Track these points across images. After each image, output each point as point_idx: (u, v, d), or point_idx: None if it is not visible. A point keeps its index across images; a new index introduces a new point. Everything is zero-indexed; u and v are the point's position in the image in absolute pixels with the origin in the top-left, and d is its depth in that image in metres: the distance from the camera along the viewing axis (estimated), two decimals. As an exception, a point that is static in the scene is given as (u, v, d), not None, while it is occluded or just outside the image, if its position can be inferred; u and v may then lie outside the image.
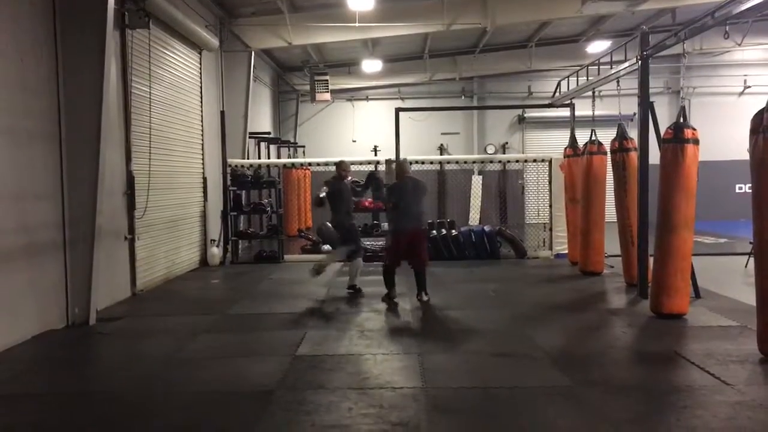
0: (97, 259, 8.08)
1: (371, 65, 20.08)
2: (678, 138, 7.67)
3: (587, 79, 11.86)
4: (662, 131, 8.18)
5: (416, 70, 21.42)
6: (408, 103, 21.99)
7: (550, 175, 13.88)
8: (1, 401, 5.43)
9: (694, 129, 7.75)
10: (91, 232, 8.01)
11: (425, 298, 8.97)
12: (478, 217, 19.46)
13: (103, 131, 8.03)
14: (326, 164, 14.87)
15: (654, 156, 8.41)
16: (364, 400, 5.18)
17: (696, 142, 7.71)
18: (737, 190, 21.97)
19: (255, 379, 5.81)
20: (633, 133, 9.50)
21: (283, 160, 18.67)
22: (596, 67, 11.68)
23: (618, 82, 10.20)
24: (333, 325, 7.80)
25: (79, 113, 7.94)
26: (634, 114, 9.46)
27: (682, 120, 7.76)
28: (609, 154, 10.15)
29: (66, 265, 7.97)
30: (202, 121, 13.26)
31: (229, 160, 13.98)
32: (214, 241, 13.36)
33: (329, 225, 13.68)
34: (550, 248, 13.77)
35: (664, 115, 15.19)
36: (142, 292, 10.07)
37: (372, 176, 10.12)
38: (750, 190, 6.21)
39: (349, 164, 10.26)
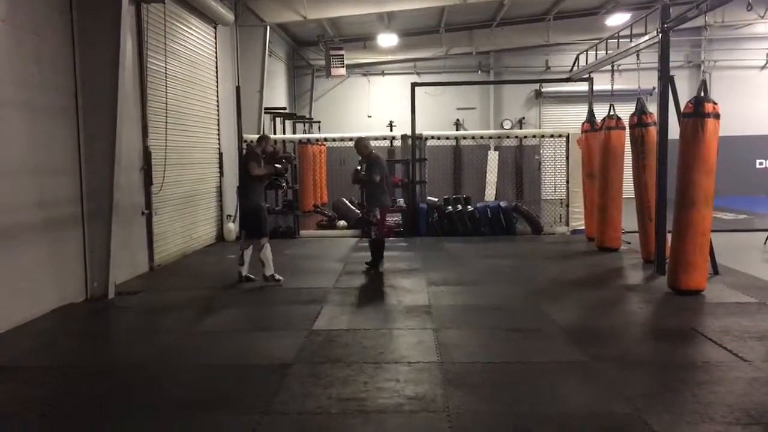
0: (115, 234, 8.15)
1: (387, 40, 19.91)
2: (698, 112, 7.56)
3: (606, 53, 11.70)
4: (682, 106, 8.07)
5: (432, 45, 21.21)
6: (424, 78, 21.80)
7: (567, 151, 13.79)
8: (21, 373, 5.53)
9: (715, 103, 7.64)
10: (109, 207, 8.08)
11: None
12: (494, 192, 19.36)
13: (120, 106, 8.07)
14: (342, 140, 14.88)
15: (673, 131, 8.30)
16: (379, 374, 5.21)
17: (716, 116, 7.60)
18: (758, 166, 21.70)
19: (272, 353, 5.86)
20: (652, 108, 9.38)
21: (299, 136, 18.66)
22: (615, 40, 11.50)
23: (637, 55, 10.04)
24: (348, 300, 7.84)
25: (96, 88, 7.98)
26: (654, 88, 9.34)
27: (702, 94, 7.65)
28: (628, 129, 10.04)
29: (84, 240, 8.06)
30: (217, 97, 13.24)
31: (245, 136, 13.99)
32: (230, 216, 13.41)
33: (345, 201, 13.68)
34: (567, 224, 13.73)
35: (684, 89, 15.02)
36: (160, 266, 10.16)
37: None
38: (771, 166, 6.13)
39: (272, 140, 9.70)
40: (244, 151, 9.12)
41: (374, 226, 9.43)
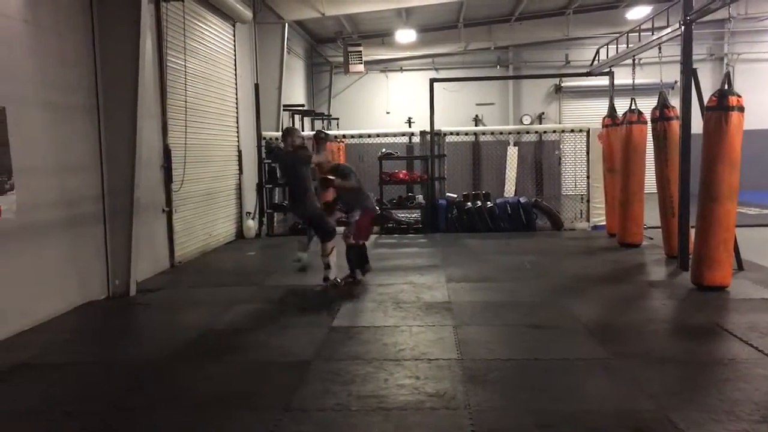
0: (136, 232, 8.21)
1: (405, 35, 19.85)
2: (722, 105, 7.45)
3: (627, 47, 11.56)
4: (705, 99, 7.95)
5: (451, 40, 21.12)
6: (442, 74, 21.75)
7: (587, 146, 13.68)
8: (44, 370, 5.58)
9: (739, 96, 7.51)
10: (130, 205, 8.14)
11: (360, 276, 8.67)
12: (514, 188, 19.24)
13: (140, 104, 8.12)
14: (360, 136, 14.88)
15: (696, 125, 8.18)
16: (400, 371, 5.19)
17: (741, 109, 7.49)
18: (783, 160, 21.28)
19: (292, 350, 5.86)
20: (674, 102, 9.26)
21: (318, 133, 18.64)
22: (637, 33, 11.37)
23: (659, 48, 9.92)
24: (368, 297, 7.82)
25: (116, 86, 8.03)
26: (676, 82, 9.22)
27: (726, 87, 7.54)
28: (649, 123, 9.93)
29: (106, 238, 8.12)
30: (236, 94, 13.28)
31: (264, 133, 14.02)
32: (250, 213, 13.47)
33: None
34: (588, 220, 13.61)
35: (707, 82, 14.78)
36: (181, 263, 10.22)
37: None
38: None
39: (299, 132, 8.78)
40: (291, 154, 8.31)
41: (351, 226, 8.66)
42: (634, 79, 10.94)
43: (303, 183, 8.38)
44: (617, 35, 12.60)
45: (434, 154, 13.87)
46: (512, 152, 20.47)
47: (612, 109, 12.18)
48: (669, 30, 9.39)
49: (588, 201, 13.68)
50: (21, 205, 6.52)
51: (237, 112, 13.33)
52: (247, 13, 13.22)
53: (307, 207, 8.42)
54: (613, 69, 13.11)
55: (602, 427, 4.17)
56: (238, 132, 13.33)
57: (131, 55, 8.03)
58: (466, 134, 15.53)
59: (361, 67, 19.00)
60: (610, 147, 11.91)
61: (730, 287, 7.64)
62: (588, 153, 13.66)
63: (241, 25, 13.42)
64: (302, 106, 19.30)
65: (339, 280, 8.36)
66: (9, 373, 5.46)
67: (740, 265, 8.61)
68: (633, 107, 10.66)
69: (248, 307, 7.59)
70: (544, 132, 17.19)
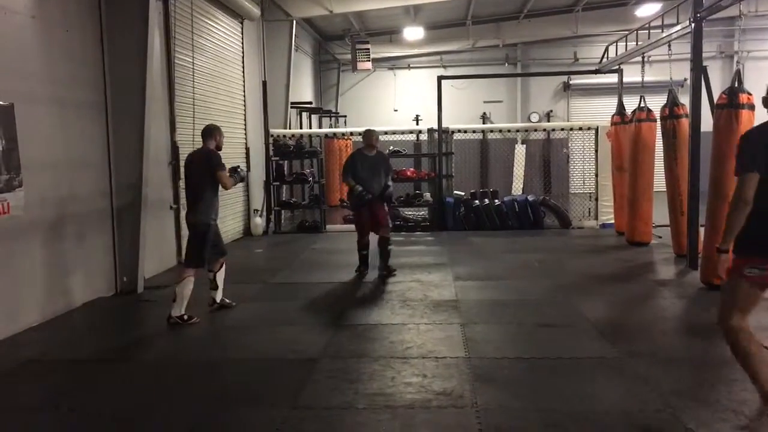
0: (143, 228, 8.23)
1: (413, 33, 19.81)
2: (732, 103, 7.40)
3: (636, 44, 11.51)
4: (715, 96, 7.90)
5: (459, 37, 21.05)
6: (450, 71, 21.67)
7: (596, 144, 13.62)
8: (51, 366, 5.60)
9: (750, 94, 7.46)
10: (138, 202, 8.16)
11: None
12: (522, 186, 19.20)
13: (148, 101, 8.13)
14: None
15: (706, 123, 8.13)
16: (407, 369, 5.17)
17: (751, 107, 7.43)
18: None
19: (298, 347, 5.85)
20: (684, 100, 9.20)
21: (325, 130, 18.67)
22: (646, 31, 11.30)
23: (669, 46, 9.85)
24: (375, 295, 7.82)
25: (124, 83, 8.04)
26: (685, 79, 9.15)
27: (736, 84, 7.48)
28: (659, 121, 9.88)
29: (114, 234, 8.14)
30: (244, 92, 13.29)
31: (271, 131, 14.03)
32: (257, 211, 13.47)
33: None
34: (596, 218, 13.56)
35: (716, 80, 14.70)
36: (188, 260, 10.21)
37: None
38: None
39: (221, 131, 7.25)
40: (199, 151, 7.05)
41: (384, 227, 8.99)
42: (643, 76, 10.87)
43: (203, 188, 6.81)
44: (626, 32, 12.54)
45: (442, 152, 13.84)
46: (520, 150, 20.42)
47: (621, 106, 12.14)
48: (679, 27, 9.33)
49: (596, 199, 13.63)
50: (29, 201, 6.53)
51: (245, 110, 13.33)
52: (255, 11, 13.22)
53: (196, 216, 6.82)
54: (622, 66, 13.04)
55: (610, 426, 4.15)
56: (245, 129, 13.34)
57: (139, 52, 8.04)
58: (474, 132, 15.49)
59: (368, 65, 18.96)
60: (618, 145, 11.86)
61: (739, 286, 7.58)
62: (596, 151, 13.60)
63: (249, 22, 13.42)
64: (310, 103, 19.31)
65: (186, 318, 6.65)
66: (16, 369, 5.48)
67: (750, 265, 8.54)
68: (642, 105, 10.61)
69: (255, 304, 7.59)
70: (553, 130, 17.15)
